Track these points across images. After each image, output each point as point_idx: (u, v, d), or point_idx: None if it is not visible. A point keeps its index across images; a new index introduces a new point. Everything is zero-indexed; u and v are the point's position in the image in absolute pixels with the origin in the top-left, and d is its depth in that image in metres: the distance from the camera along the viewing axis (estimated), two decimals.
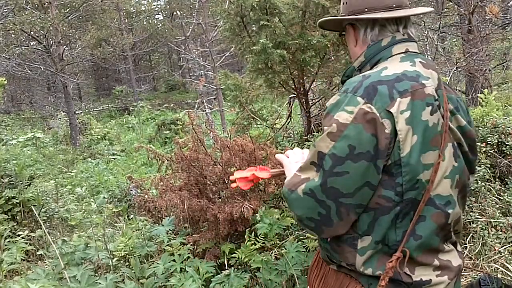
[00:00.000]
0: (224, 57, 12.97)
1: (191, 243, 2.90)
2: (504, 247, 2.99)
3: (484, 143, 3.52)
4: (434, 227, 1.24)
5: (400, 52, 1.30)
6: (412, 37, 1.36)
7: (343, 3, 1.42)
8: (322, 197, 1.19)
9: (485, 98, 4.08)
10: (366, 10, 1.34)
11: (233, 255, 2.79)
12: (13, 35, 15.74)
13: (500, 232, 3.07)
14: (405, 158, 1.17)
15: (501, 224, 3.11)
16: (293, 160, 1.49)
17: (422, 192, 1.20)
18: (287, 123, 5.25)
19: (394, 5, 1.33)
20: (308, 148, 1.40)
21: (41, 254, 3.68)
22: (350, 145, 1.15)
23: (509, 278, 2.77)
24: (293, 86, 4.48)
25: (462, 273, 2.86)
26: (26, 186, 4.69)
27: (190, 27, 14.98)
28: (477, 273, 2.84)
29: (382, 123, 1.15)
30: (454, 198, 1.28)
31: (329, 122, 1.19)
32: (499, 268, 2.86)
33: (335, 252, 1.33)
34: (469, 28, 7.48)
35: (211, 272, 2.67)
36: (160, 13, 29.84)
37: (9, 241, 3.72)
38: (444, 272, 1.27)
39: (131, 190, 5.85)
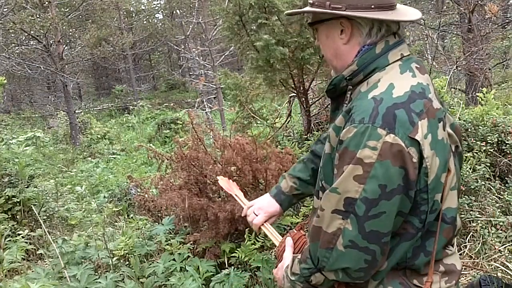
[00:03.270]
0: (224, 56, 12.96)
1: (191, 242, 2.90)
2: (504, 246, 2.99)
3: (484, 142, 3.52)
4: (444, 242, 1.23)
5: (397, 59, 1.20)
6: (403, 37, 1.27)
7: None
8: (364, 244, 1.10)
9: (485, 97, 4.08)
10: (372, 7, 1.18)
11: (233, 254, 2.79)
12: (12, 34, 15.73)
13: (500, 231, 3.07)
14: (431, 185, 1.12)
15: (501, 223, 3.11)
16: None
17: (437, 211, 1.17)
18: (287, 122, 5.24)
19: (394, 3, 1.23)
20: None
21: (41, 253, 3.67)
22: (380, 185, 1.06)
23: (509, 277, 2.77)
24: (293, 85, 4.47)
25: (462, 272, 2.87)
26: (26, 186, 4.69)
27: (190, 26, 14.97)
28: (477, 272, 2.85)
29: (409, 152, 1.07)
30: (457, 206, 1.26)
31: (351, 161, 1.08)
32: (499, 267, 2.86)
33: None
34: (469, 27, 7.48)
35: (211, 271, 2.67)
36: (160, 12, 29.81)
37: (9, 240, 3.72)
38: (450, 277, 1.26)
39: (131, 189, 5.85)
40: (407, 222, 1.16)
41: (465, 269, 2.92)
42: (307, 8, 1.29)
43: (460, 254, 3.04)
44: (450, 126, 1.24)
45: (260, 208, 1.61)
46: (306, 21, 1.44)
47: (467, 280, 2.82)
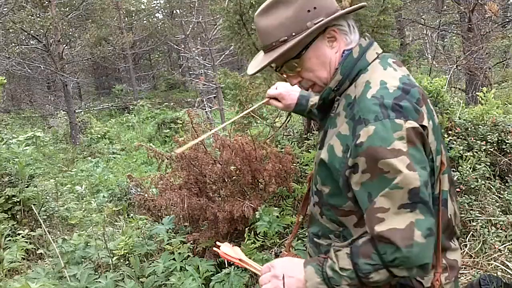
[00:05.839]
0: (223, 55, 12.96)
1: (191, 241, 2.90)
2: (504, 245, 2.99)
3: (484, 141, 3.52)
4: (442, 225, 1.22)
5: (374, 58, 1.24)
6: (371, 38, 1.29)
7: (308, 11, 1.19)
8: (434, 226, 1.10)
9: (485, 96, 4.08)
10: (338, 9, 1.23)
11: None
12: (12, 34, 15.74)
13: (500, 230, 3.07)
14: (436, 169, 1.18)
15: (501, 222, 3.11)
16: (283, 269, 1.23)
17: (433, 195, 1.18)
18: (287, 121, 5.24)
19: None
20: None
21: (41, 253, 3.68)
22: (422, 167, 1.09)
23: (509, 276, 2.77)
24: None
25: (462, 271, 2.87)
26: (26, 185, 4.69)
27: (190, 25, 14.98)
28: (477, 271, 2.85)
29: (426, 134, 1.13)
30: (449, 192, 1.27)
31: (389, 156, 1.07)
32: (499, 266, 2.86)
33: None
34: (469, 26, 7.48)
35: (211, 271, 2.67)
36: (159, 12, 29.80)
37: (9, 240, 3.73)
38: (451, 273, 1.24)
39: (131, 189, 5.85)
40: None
41: (465, 268, 2.92)
42: (288, 45, 1.20)
43: (461, 253, 3.04)
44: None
45: (284, 89, 1.67)
46: (277, 69, 1.30)
47: (467, 280, 2.82)
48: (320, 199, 1.30)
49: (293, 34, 1.20)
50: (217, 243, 1.49)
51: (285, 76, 1.32)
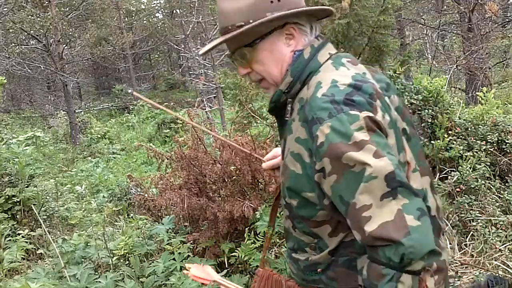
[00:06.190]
0: (224, 55, 12.95)
1: (191, 241, 2.90)
2: (505, 245, 2.99)
3: (484, 141, 3.52)
4: None
5: (327, 59, 1.20)
6: (326, 38, 1.24)
7: (271, 2, 1.17)
8: (424, 207, 1.03)
9: (485, 96, 4.08)
10: (303, 5, 1.20)
11: (233, 254, 2.79)
12: (12, 34, 15.74)
13: (501, 230, 3.07)
14: (402, 165, 1.11)
15: (501, 222, 3.11)
16: None
17: None
18: None
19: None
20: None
21: (41, 253, 3.68)
22: (389, 152, 1.04)
23: (509, 276, 2.77)
24: None
25: (463, 270, 2.87)
26: (26, 185, 4.69)
27: (190, 25, 14.97)
28: (479, 270, 2.84)
29: (380, 121, 1.08)
30: (425, 187, 1.20)
31: (355, 148, 1.01)
32: (500, 266, 2.86)
33: (332, 280, 1.18)
34: (469, 26, 7.48)
35: None
36: (160, 12, 29.81)
37: (9, 240, 3.73)
38: (440, 276, 1.14)
39: (131, 189, 5.85)
40: None
41: (466, 267, 2.92)
42: (243, 29, 1.17)
43: (463, 253, 3.04)
44: (396, 109, 1.22)
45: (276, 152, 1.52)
46: (231, 53, 1.26)
47: (468, 279, 2.82)
48: (291, 212, 1.23)
49: (251, 21, 1.17)
50: (186, 265, 1.44)
51: (236, 65, 1.28)
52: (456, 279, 2.79)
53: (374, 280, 1.02)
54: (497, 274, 2.68)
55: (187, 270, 1.41)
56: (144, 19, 27.61)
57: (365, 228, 1.00)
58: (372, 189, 1.00)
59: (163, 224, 2.93)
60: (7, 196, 4.42)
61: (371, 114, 1.05)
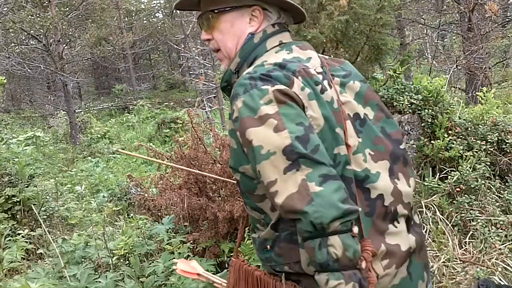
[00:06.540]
0: None
1: (191, 241, 2.91)
2: (504, 245, 2.99)
3: (484, 141, 3.52)
4: (367, 207, 1.14)
5: (275, 45, 1.24)
6: (287, 27, 1.28)
7: None
8: (332, 172, 1.03)
9: (485, 96, 4.08)
10: None
11: (233, 254, 2.78)
12: (12, 34, 15.75)
13: (501, 230, 3.07)
14: (321, 135, 1.09)
15: (501, 222, 3.11)
16: None
17: (342, 167, 1.11)
18: None
19: None
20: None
21: (41, 252, 3.68)
22: (298, 123, 1.04)
23: (510, 276, 2.78)
24: None
25: (464, 268, 2.87)
26: (26, 185, 4.69)
27: (190, 25, 14.97)
28: (481, 267, 2.84)
29: (296, 96, 1.09)
30: (376, 171, 1.16)
31: (260, 123, 1.04)
32: (499, 264, 2.87)
33: (279, 256, 1.16)
34: (469, 25, 7.48)
35: (211, 271, 2.67)
36: (160, 12, 29.81)
37: (9, 239, 3.72)
38: (392, 260, 1.11)
39: (131, 189, 5.85)
40: None
41: (467, 265, 2.92)
42: None
43: (464, 251, 3.05)
44: (356, 93, 1.23)
45: None
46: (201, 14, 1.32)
47: (469, 275, 2.82)
48: (240, 190, 1.25)
49: None
50: (174, 260, 1.49)
51: (201, 28, 1.33)
52: (459, 275, 2.80)
53: (309, 254, 1.02)
54: (487, 278, 2.68)
55: (175, 266, 1.45)
56: (144, 19, 27.61)
57: (276, 200, 1.02)
58: (274, 164, 1.02)
59: (163, 224, 2.93)
60: (7, 196, 4.42)
61: (282, 87, 1.08)
